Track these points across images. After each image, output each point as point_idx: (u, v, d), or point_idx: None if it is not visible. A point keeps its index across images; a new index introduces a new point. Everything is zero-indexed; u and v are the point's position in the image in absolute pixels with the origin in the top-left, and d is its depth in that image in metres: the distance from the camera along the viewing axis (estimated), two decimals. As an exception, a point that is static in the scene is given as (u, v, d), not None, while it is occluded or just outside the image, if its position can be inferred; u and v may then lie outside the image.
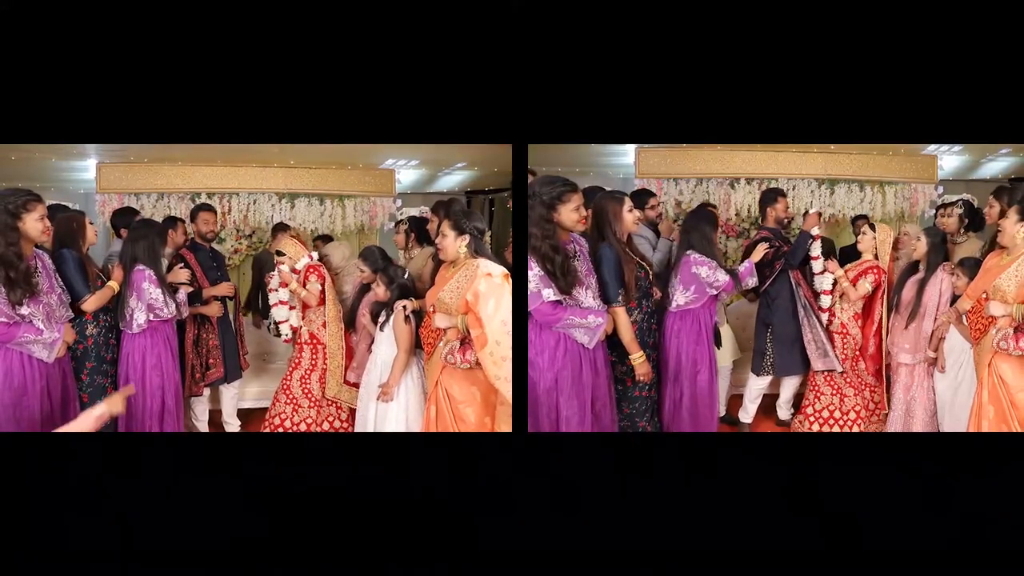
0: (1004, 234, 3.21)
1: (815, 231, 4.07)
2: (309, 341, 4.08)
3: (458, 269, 3.10)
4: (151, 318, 3.61)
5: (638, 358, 3.29)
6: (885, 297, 3.98)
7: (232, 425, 4.41)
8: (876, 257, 4.04)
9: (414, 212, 5.54)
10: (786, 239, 4.24)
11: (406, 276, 3.62)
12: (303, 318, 4.10)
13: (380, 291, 3.56)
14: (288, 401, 4.07)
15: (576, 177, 3.06)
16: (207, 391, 4.25)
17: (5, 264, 2.97)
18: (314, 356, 4.07)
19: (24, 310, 3.02)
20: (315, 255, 4.18)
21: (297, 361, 4.09)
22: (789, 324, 4.11)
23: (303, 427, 4.06)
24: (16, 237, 3.02)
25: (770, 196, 4.32)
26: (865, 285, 3.97)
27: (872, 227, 4.11)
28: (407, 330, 3.44)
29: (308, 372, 4.07)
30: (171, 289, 3.70)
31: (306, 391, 4.07)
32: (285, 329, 4.12)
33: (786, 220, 4.41)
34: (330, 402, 4.08)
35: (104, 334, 3.57)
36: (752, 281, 3.89)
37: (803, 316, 4.07)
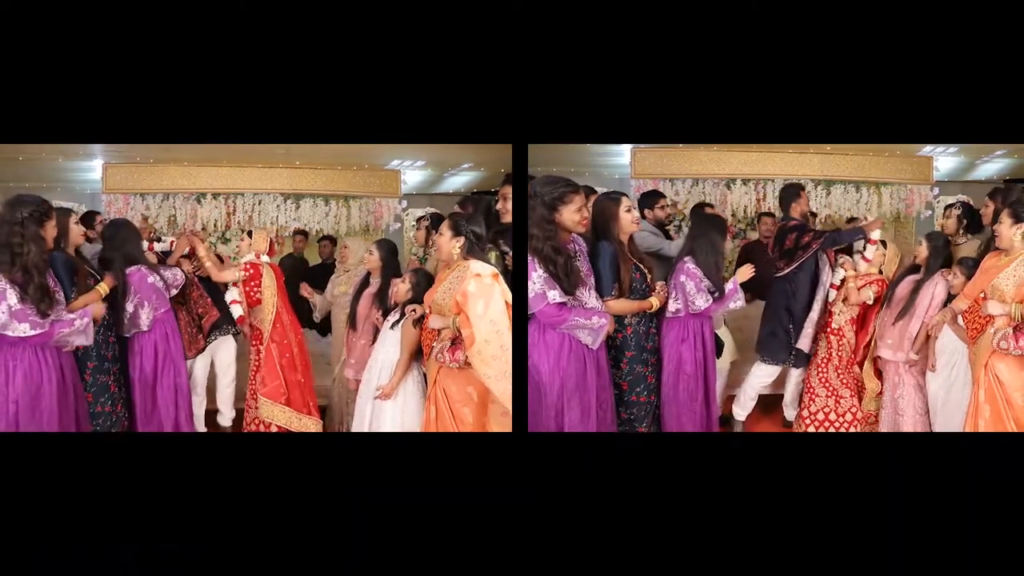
0: (1001, 238, 3.22)
1: (875, 235, 4.09)
2: (260, 340, 4.15)
3: (452, 270, 3.13)
4: (174, 293, 3.75)
5: (653, 303, 3.33)
6: (883, 307, 4.01)
7: (225, 415, 4.43)
8: (880, 272, 4.09)
9: (420, 212, 5.56)
10: (815, 231, 4.24)
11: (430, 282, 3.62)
12: (254, 318, 4.18)
13: (401, 289, 3.56)
14: (258, 405, 4.13)
15: (572, 177, 3.08)
16: (207, 360, 4.28)
17: (39, 273, 3.03)
18: (269, 354, 4.15)
19: (52, 314, 3.09)
20: (265, 259, 4.24)
21: (256, 364, 4.16)
22: (808, 310, 4.15)
23: (274, 428, 4.11)
24: (44, 245, 3.10)
25: (792, 192, 4.34)
26: (868, 292, 4.01)
27: (884, 244, 4.15)
28: (415, 334, 3.45)
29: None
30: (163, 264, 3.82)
31: None
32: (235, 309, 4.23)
33: (810, 213, 4.40)
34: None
35: (103, 333, 3.60)
36: (736, 304, 3.62)
37: (818, 300, 4.11)
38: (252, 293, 4.16)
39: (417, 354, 3.53)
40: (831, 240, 4.12)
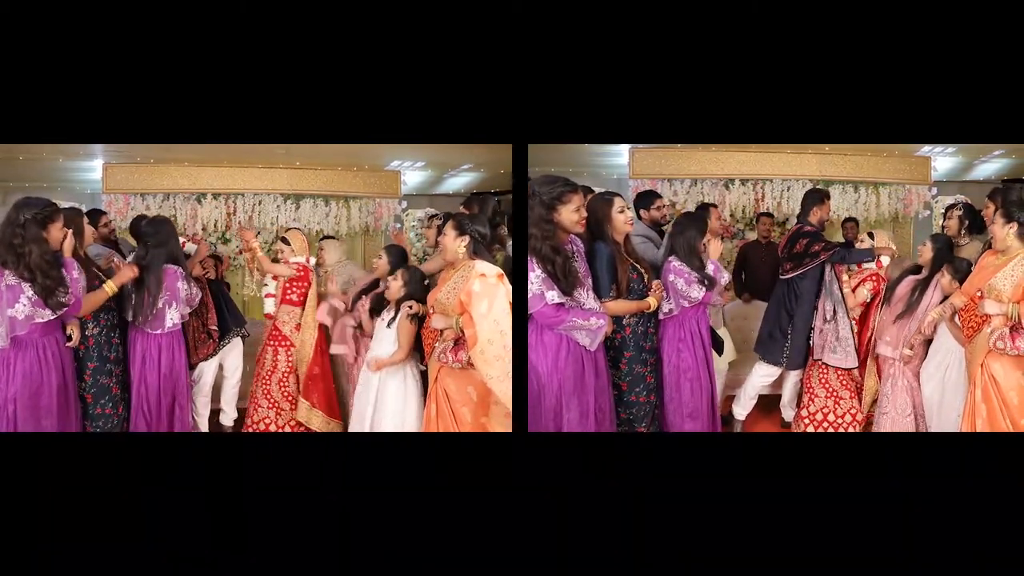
0: (996, 239, 3.24)
1: (884, 260, 4.09)
2: (283, 342, 4.15)
3: (457, 270, 3.14)
4: (187, 311, 3.71)
5: (651, 303, 3.31)
6: (881, 306, 4.01)
7: (228, 415, 4.43)
8: (880, 263, 4.07)
9: (420, 213, 5.56)
10: (827, 242, 4.23)
11: (422, 279, 3.64)
12: (277, 318, 4.18)
13: (394, 286, 3.57)
14: (271, 405, 4.14)
15: (570, 177, 3.05)
16: (215, 363, 4.27)
17: (43, 274, 3.08)
18: (289, 358, 4.16)
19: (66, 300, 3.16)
20: (312, 260, 4.25)
21: (273, 364, 4.16)
22: (810, 316, 4.12)
23: (288, 430, 4.12)
24: (47, 246, 3.13)
25: (817, 196, 4.31)
26: (863, 292, 4.00)
27: (871, 235, 4.13)
28: (411, 329, 3.48)
29: (286, 375, 4.16)
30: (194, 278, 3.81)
31: (286, 394, 4.15)
32: (268, 304, 4.23)
33: (827, 221, 4.40)
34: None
35: (106, 333, 3.60)
36: (723, 278, 3.65)
37: (835, 311, 4.07)
38: (288, 293, 4.16)
39: (417, 351, 3.55)
40: (839, 256, 4.09)
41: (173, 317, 3.66)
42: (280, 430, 4.12)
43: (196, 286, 3.80)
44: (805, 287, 4.12)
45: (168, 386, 3.69)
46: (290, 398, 4.15)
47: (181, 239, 4.05)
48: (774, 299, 4.29)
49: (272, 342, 4.18)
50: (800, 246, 4.12)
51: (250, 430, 4.16)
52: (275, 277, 4.25)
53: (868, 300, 4.04)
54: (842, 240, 5.31)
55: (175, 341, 3.74)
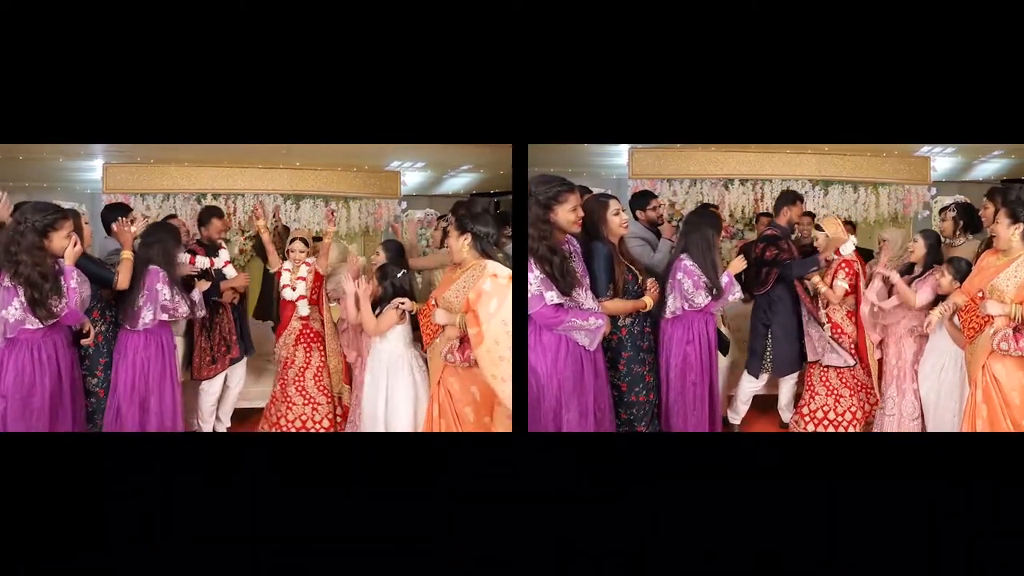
0: (999, 239, 3.20)
1: (845, 249, 4.04)
2: (316, 339, 4.19)
3: (465, 270, 3.13)
4: (165, 318, 3.64)
5: (647, 302, 3.33)
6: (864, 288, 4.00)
7: (223, 422, 4.42)
8: (838, 252, 4.01)
9: (420, 214, 5.56)
10: (791, 243, 4.23)
11: (400, 275, 3.65)
12: (310, 317, 4.21)
13: (373, 288, 3.58)
14: (307, 402, 4.16)
15: (570, 177, 3.07)
16: (222, 376, 4.27)
17: (31, 285, 3.03)
18: (322, 355, 4.21)
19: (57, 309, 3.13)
20: (312, 261, 4.29)
21: (306, 360, 4.18)
22: (788, 323, 4.11)
23: (326, 423, 4.15)
24: (43, 256, 3.08)
25: (790, 197, 4.30)
26: (840, 284, 3.95)
27: (819, 227, 4.08)
28: (394, 318, 3.50)
29: (320, 370, 4.19)
30: (186, 289, 3.74)
31: (321, 388, 4.18)
32: (303, 307, 4.23)
33: (797, 224, 4.39)
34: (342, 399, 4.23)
35: (113, 330, 3.63)
36: (735, 296, 3.67)
37: (807, 318, 4.07)
38: (313, 292, 4.22)
39: (418, 344, 3.56)
40: (784, 273, 4.04)
41: (146, 317, 3.58)
42: (317, 425, 4.14)
43: (182, 298, 3.68)
44: (776, 295, 4.11)
45: (140, 385, 3.61)
46: (325, 391, 4.18)
47: (225, 256, 4.07)
48: (752, 314, 4.28)
49: (304, 340, 4.20)
50: (758, 250, 4.11)
51: (275, 428, 4.16)
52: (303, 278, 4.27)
53: (849, 289, 3.98)
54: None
55: (153, 341, 3.65)
